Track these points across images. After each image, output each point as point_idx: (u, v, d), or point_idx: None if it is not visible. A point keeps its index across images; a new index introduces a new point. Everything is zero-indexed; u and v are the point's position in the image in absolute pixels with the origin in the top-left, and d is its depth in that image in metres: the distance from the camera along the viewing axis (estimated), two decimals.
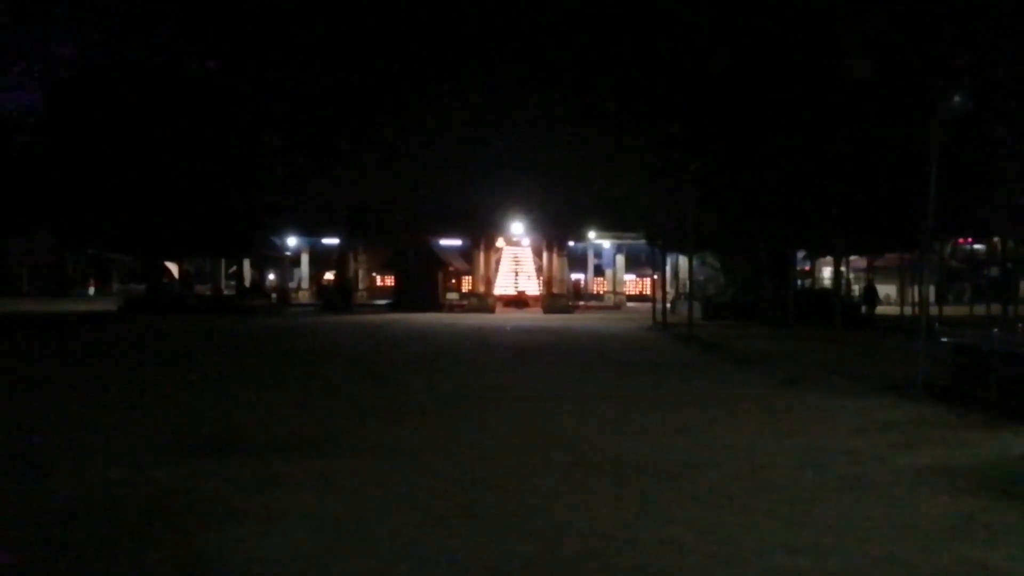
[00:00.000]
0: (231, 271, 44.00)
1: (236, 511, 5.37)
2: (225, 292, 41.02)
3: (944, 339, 11.31)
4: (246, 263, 41.18)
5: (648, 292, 40.43)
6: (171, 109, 31.86)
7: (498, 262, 39.12)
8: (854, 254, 33.12)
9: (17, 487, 5.95)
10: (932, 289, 28.44)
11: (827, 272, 40.02)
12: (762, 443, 7.74)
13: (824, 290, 35.41)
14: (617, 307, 41.31)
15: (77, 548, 4.65)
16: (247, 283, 40.42)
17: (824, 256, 35.31)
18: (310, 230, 40.27)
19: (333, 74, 32.88)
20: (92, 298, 47.82)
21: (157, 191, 32.06)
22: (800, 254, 34.20)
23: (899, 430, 8.42)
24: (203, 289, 44.56)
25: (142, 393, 10.82)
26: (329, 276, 45.38)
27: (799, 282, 35.43)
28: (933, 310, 25.02)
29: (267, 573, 4.30)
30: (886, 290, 40.73)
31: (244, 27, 33.84)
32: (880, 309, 33.05)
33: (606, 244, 43.64)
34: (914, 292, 25.68)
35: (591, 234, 39.65)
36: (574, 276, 46.99)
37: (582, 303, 42.32)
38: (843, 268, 31.63)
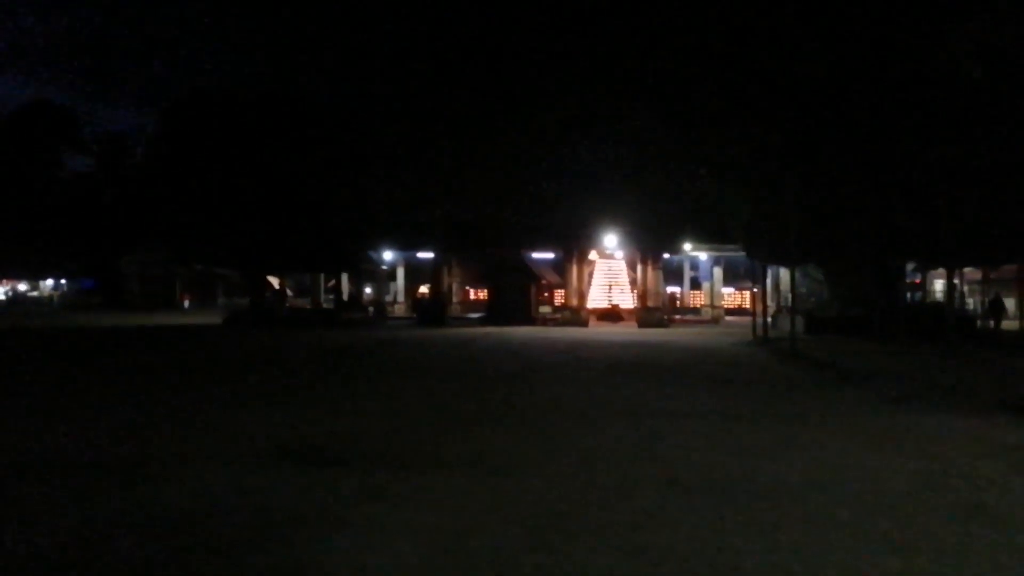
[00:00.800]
0: (330, 285, 45.23)
1: (340, 521, 5.47)
2: (324, 305, 42.16)
3: None
4: (344, 277, 42.23)
5: (747, 306, 39.53)
6: (276, 130, 33.08)
7: (591, 275, 38.94)
8: (968, 265, 31.49)
9: (131, 494, 6.21)
10: None
11: (939, 285, 38.25)
12: (871, 465, 7.40)
13: (936, 303, 33.84)
14: (715, 321, 40.46)
15: (188, 555, 4.81)
16: (345, 296, 41.42)
17: (936, 268, 33.72)
18: (406, 244, 41.04)
19: (429, 91, 33.50)
20: (188, 311, 49.85)
21: (262, 209, 33.29)
22: (910, 266, 32.80)
23: (1019, 453, 7.92)
24: (303, 303, 45.94)
25: (247, 403, 11.19)
26: (424, 290, 46.17)
27: (909, 295, 33.96)
28: None
29: None
30: (1006, 303, 38.61)
31: (343, 48, 34.88)
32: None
33: (703, 256, 42.83)
34: None
35: (687, 246, 38.99)
36: (670, 289, 46.35)
37: (678, 317, 41.64)
38: (956, 280, 30.12)
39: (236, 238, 34.91)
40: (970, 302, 37.71)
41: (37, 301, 64.84)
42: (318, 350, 21.29)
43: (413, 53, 32.86)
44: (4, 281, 66.30)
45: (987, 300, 31.52)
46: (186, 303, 55.87)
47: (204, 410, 10.53)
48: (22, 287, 69.66)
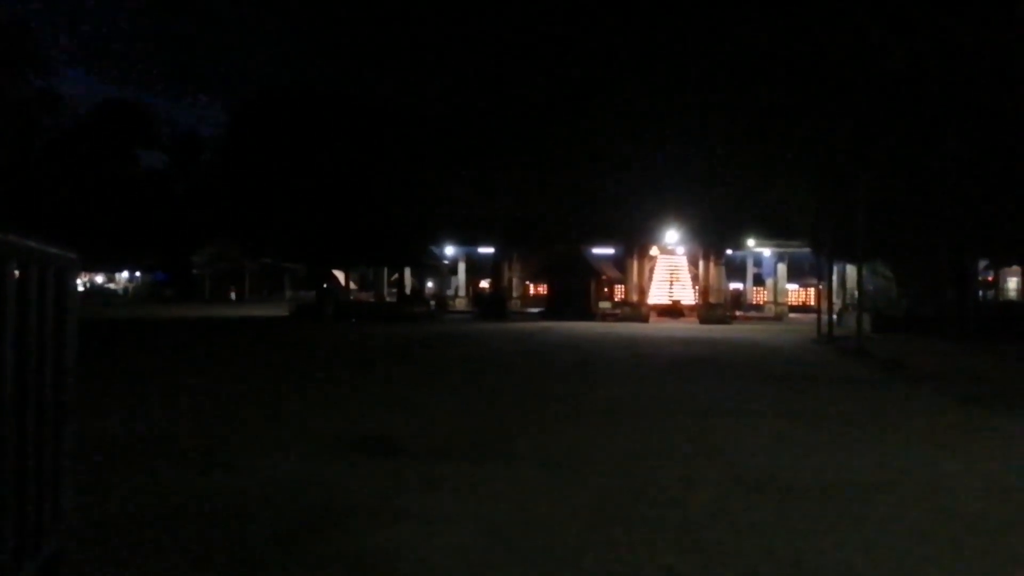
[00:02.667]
0: (393, 279, 45.81)
1: (401, 511, 5.57)
2: (387, 299, 42.73)
3: None
4: (407, 272, 42.71)
5: (812, 303, 38.76)
6: (341, 127, 33.65)
7: (652, 271, 38.64)
8: None
9: (201, 480, 6.43)
10: None
11: (1012, 283, 36.92)
12: (941, 466, 7.22)
13: (1010, 302, 32.67)
14: (778, 318, 39.75)
15: (254, 541, 4.96)
16: (407, 291, 41.90)
17: (1010, 265, 32.54)
18: (467, 240, 41.32)
19: (492, 88, 33.65)
20: (236, 304, 50.87)
21: (326, 204, 33.91)
22: (982, 263, 31.74)
23: None
24: (367, 296, 46.62)
25: (312, 393, 11.45)
26: (484, 284, 46.41)
27: (981, 293, 32.88)
28: None
29: (432, 575, 4.43)
30: None
31: (407, 45, 35.26)
32: None
33: (766, 252, 42.11)
34: None
35: (750, 242, 38.38)
36: (732, 286, 45.69)
37: (740, 313, 41.03)
38: None
39: (302, 233, 35.63)
40: None
41: (113, 293, 67.09)
42: (381, 343, 21.61)
43: (478, 49, 33.03)
44: (82, 273, 68.85)
45: None
46: (232, 295, 57.22)
47: (272, 401, 10.81)
48: (99, 279, 72.17)
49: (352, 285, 49.37)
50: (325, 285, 41.94)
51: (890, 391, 12.85)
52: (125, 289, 67.55)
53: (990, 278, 36.31)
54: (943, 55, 22.62)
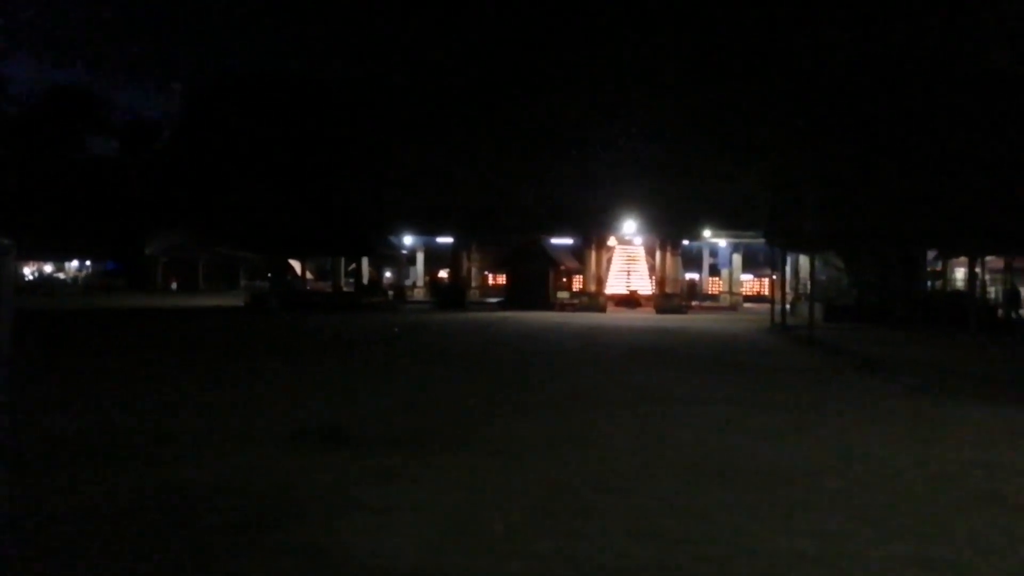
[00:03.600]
0: (350, 269, 45.43)
1: (355, 502, 5.53)
2: (344, 289, 42.36)
3: None
4: (364, 261, 42.37)
5: (766, 293, 39.28)
6: (296, 115, 33.21)
7: (610, 261, 38.83)
8: (991, 254, 31.10)
9: (152, 472, 6.31)
10: None
11: (959, 273, 37.81)
12: (890, 452, 7.37)
13: (957, 292, 33.46)
14: (733, 308, 40.24)
15: (207, 533, 4.89)
16: (365, 280, 41.59)
17: (957, 256, 33.33)
18: (425, 229, 41.10)
19: (451, 78, 33.48)
20: (186, 294, 49.91)
21: (283, 193, 33.47)
22: (931, 254, 32.46)
23: None
24: (324, 286, 46.18)
25: (262, 384, 11.30)
26: (443, 274, 46.25)
27: (929, 283, 33.63)
28: None
29: (388, 564, 4.40)
30: None
31: (365, 32, 34.92)
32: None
33: (722, 243, 42.56)
34: None
35: (706, 233, 38.74)
36: (688, 276, 46.12)
37: (696, 303, 41.43)
38: (978, 269, 29.78)
39: (257, 222, 35.12)
40: (992, 291, 37.23)
41: (60, 283, 65.50)
42: (337, 334, 21.42)
43: (435, 38, 32.82)
44: (30, 263, 67.06)
45: (1002, 290, 31.26)
46: (174, 285, 56.08)
47: (224, 392, 10.65)
48: (48, 269, 70.44)
49: (309, 275, 48.87)
50: (271, 275, 41.41)
51: (840, 379, 13.09)
52: (75, 279, 66.00)
53: (938, 268, 37.19)
54: (893, 52, 23.06)
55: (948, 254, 33.82)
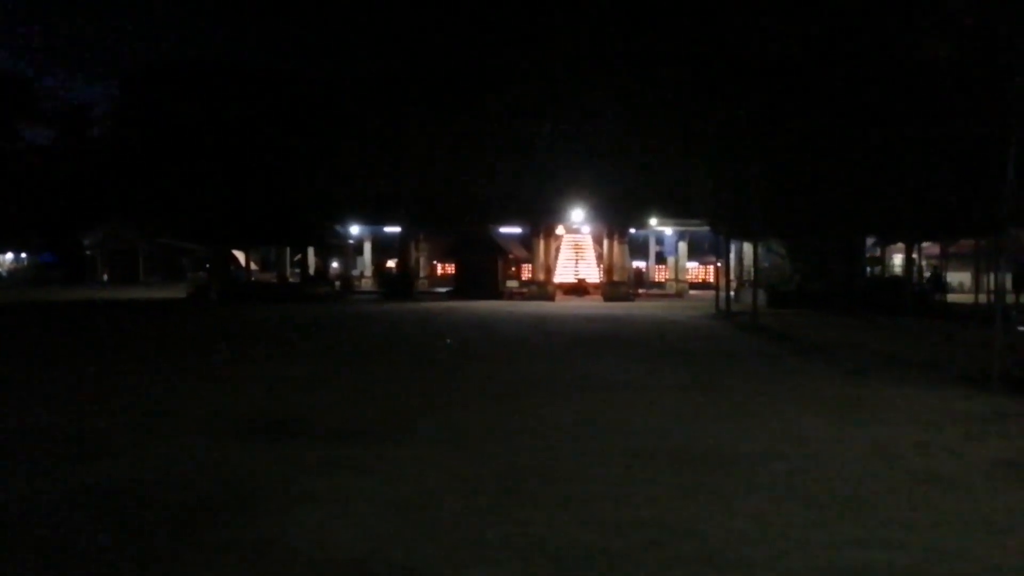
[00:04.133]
0: (296, 259, 44.84)
1: (303, 494, 5.49)
2: (290, 280, 41.80)
3: (1021, 328, 10.87)
4: (310, 251, 41.82)
5: (711, 280, 39.90)
6: (240, 103, 32.56)
7: (558, 250, 39.00)
8: (927, 240, 32.03)
9: (90, 468, 6.17)
10: (1009, 277, 27.44)
11: (898, 259, 38.86)
12: (830, 434, 7.58)
13: (895, 278, 34.39)
14: (679, 295, 40.79)
15: (150, 529, 4.80)
16: (311, 271, 41.07)
17: (895, 242, 34.26)
18: (373, 218, 40.72)
19: (396, 63, 33.16)
20: (122, 286, 48.79)
21: (226, 182, 32.84)
22: (870, 241, 33.28)
23: (972, 422, 8.15)
24: (269, 277, 45.52)
25: (207, 377, 11.11)
26: (391, 264, 45.90)
27: (869, 269, 34.49)
28: (1010, 298, 24.15)
29: (334, 555, 4.38)
30: (960, 277, 39.41)
31: (309, 18, 34.38)
32: (955, 297, 32.09)
33: (668, 231, 43.04)
34: (990, 280, 24.79)
35: (653, 221, 39.14)
36: (635, 264, 46.56)
37: (643, 291, 41.89)
38: (915, 255, 30.67)
39: (199, 212, 34.42)
40: (927, 276, 38.37)
41: None
42: (283, 325, 21.15)
43: (380, 23, 32.45)
44: None
45: (927, 276, 32.38)
46: (105, 277, 54.63)
47: (167, 385, 10.44)
48: None
49: (254, 266, 48.10)
50: (208, 266, 40.56)
51: (782, 364, 13.37)
52: (10, 272, 63.94)
53: (877, 255, 38.19)
54: (836, 41, 23.49)
55: (886, 241, 34.74)
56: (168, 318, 23.80)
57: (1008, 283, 26.09)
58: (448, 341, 16.23)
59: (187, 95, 33.06)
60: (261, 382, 10.70)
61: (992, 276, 21.94)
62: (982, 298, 25.71)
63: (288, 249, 42.98)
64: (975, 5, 21.35)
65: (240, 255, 43.74)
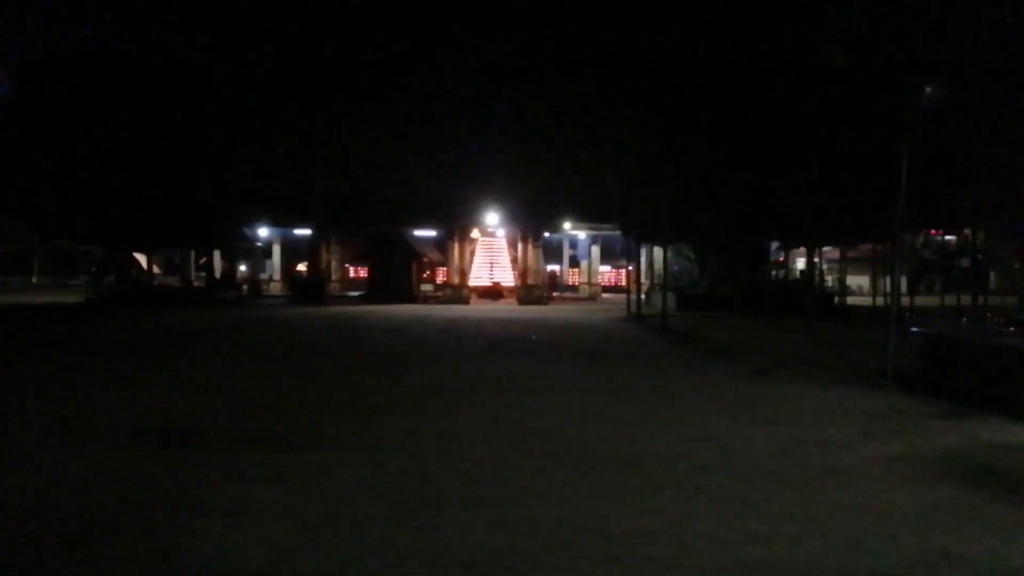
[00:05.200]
0: (201, 262, 43.48)
1: (203, 504, 5.28)
2: (195, 284, 40.52)
3: (915, 329, 11.40)
4: (216, 254, 40.63)
5: (624, 283, 40.55)
6: (141, 98, 31.34)
7: (473, 253, 38.99)
8: (827, 245, 33.36)
9: None
10: (904, 280, 28.81)
11: (801, 263, 40.34)
12: (734, 433, 7.76)
13: (798, 281, 35.70)
14: (592, 299, 41.35)
15: (42, 544, 4.54)
16: (217, 274, 39.89)
17: (797, 247, 35.56)
18: (282, 221, 39.86)
19: (307, 64, 32.52)
20: (5, 291, 46.53)
21: (125, 181, 31.56)
22: (774, 245, 34.42)
23: (869, 419, 8.48)
24: (172, 281, 44.04)
25: (108, 385, 10.64)
26: (301, 267, 45.01)
27: (773, 273, 35.67)
28: (905, 300, 25.36)
29: (234, 567, 4.22)
30: (859, 281, 41.22)
31: (217, 15, 33.41)
32: (852, 299, 33.51)
33: (582, 235, 43.63)
34: (886, 282, 25.93)
35: (567, 225, 39.60)
36: (549, 267, 46.97)
37: (557, 294, 42.31)
38: (816, 259, 31.89)
39: (97, 212, 32.97)
40: (828, 279, 39.97)
41: None
42: (186, 330, 20.46)
43: (294, 20, 31.74)
44: None
45: (799, 278, 33.84)
46: None
47: (63, 393, 9.93)
48: None
49: (156, 269, 46.47)
50: (94, 269, 38.90)
51: (690, 365, 13.66)
52: None
53: (781, 259, 39.55)
54: (738, 48, 24.17)
55: (789, 245, 36.04)
56: (63, 325, 22.72)
57: (903, 286, 27.43)
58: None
59: (85, 89, 31.60)
60: (161, 390, 10.30)
61: (888, 279, 22.94)
62: (880, 300, 26.85)
63: (193, 252, 41.67)
64: (872, 16, 22.29)
65: (142, 258, 42.20)
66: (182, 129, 31.79)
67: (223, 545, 4.53)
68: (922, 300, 29.16)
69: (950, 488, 5.84)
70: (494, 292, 38.06)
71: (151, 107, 31.21)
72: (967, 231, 28.95)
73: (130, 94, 31.52)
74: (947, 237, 39.52)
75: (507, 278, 39.14)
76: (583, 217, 38.47)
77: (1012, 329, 10.11)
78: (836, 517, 5.12)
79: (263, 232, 41.78)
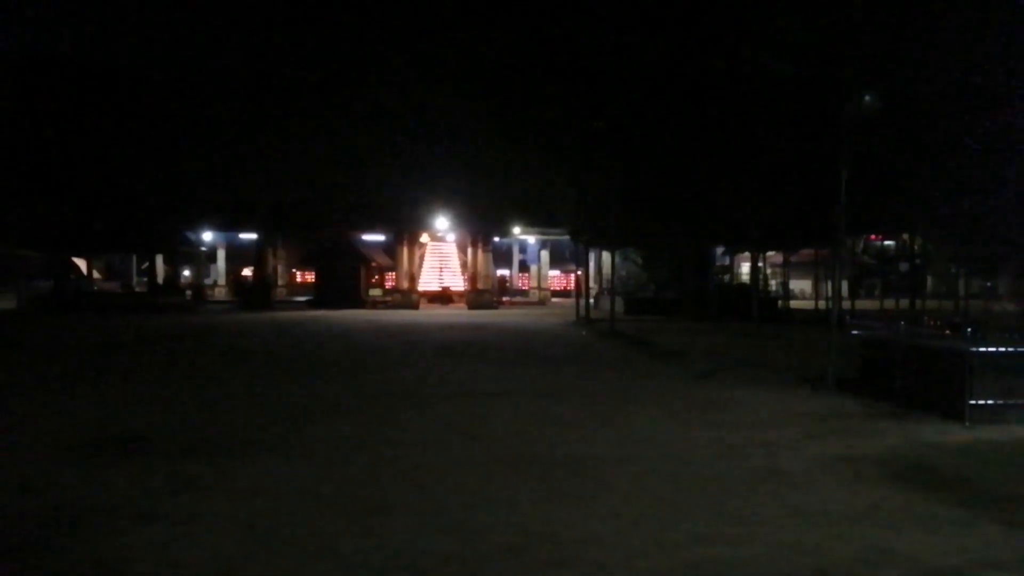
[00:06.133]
0: (143, 267, 42.52)
1: (147, 514, 5.18)
2: (137, 289, 39.61)
3: (855, 332, 11.66)
4: (159, 259, 39.77)
5: (573, 288, 40.79)
6: (81, 100, 30.57)
7: (422, 258, 38.84)
8: (771, 250, 34.01)
9: None
10: (845, 284, 29.51)
11: (746, 268, 41.05)
12: (680, 436, 7.86)
13: (743, 285, 36.31)
14: (542, 303, 41.51)
15: None
16: (160, 280, 39.04)
17: (742, 252, 36.17)
18: (227, 225, 39.18)
19: (252, 67, 32.08)
20: None
21: (64, 184, 30.72)
22: (719, 250, 34.95)
23: (811, 421, 8.67)
24: (113, 286, 42.97)
25: (46, 393, 10.33)
26: (247, 272, 44.32)
27: (719, 278, 36.22)
28: (846, 304, 25.97)
29: None
30: (802, 285, 42.10)
31: (161, 18, 32.77)
32: (795, 303, 34.21)
33: (531, 240, 43.77)
34: (828, 286, 26.53)
35: (516, 230, 39.68)
36: (499, 272, 47.04)
37: (507, 299, 42.36)
38: (760, 264, 32.47)
39: (33, 216, 32.02)
40: (772, 284, 40.76)
41: None
42: (125, 337, 19.99)
43: (237, 24, 31.30)
44: None
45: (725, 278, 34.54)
46: None
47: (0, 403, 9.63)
48: None
49: (97, 274, 45.31)
50: (27, 275, 37.77)
51: (637, 369, 13.80)
52: None
53: (726, 263, 40.19)
54: (686, 57, 24.53)
55: (735, 250, 36.63)
56: (3, 332, 22.03)
57: (844, 290, 28.09)
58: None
59: (22, 90, 30.71)
60: (101, 398, 10.05)
61: (829, 283, 23.48)
62: (822, 304, 27.46)
63: (134, 256, 40.71)
64: (812, 25, 22.78)
65: (82, 263, 41.11)
66: (122, 130, 31.06)
67: (169, 555, 4.45)
68: (862, 303, 29.90)
69: (890, 488, 6.00)
70: (444, 297, 37.96)
71: (90, 107, 30.45)
72: (905, 236, 29.78)
73: (69, 95, 30.73)
74: (886, 242, 40.63)
75: (457, 283, 39.06)
76: (533, 222, 38.61)
77: (948, 332, 10.41)
78: (780, 517, 5.22)
79: (207, 236, 41.05)
